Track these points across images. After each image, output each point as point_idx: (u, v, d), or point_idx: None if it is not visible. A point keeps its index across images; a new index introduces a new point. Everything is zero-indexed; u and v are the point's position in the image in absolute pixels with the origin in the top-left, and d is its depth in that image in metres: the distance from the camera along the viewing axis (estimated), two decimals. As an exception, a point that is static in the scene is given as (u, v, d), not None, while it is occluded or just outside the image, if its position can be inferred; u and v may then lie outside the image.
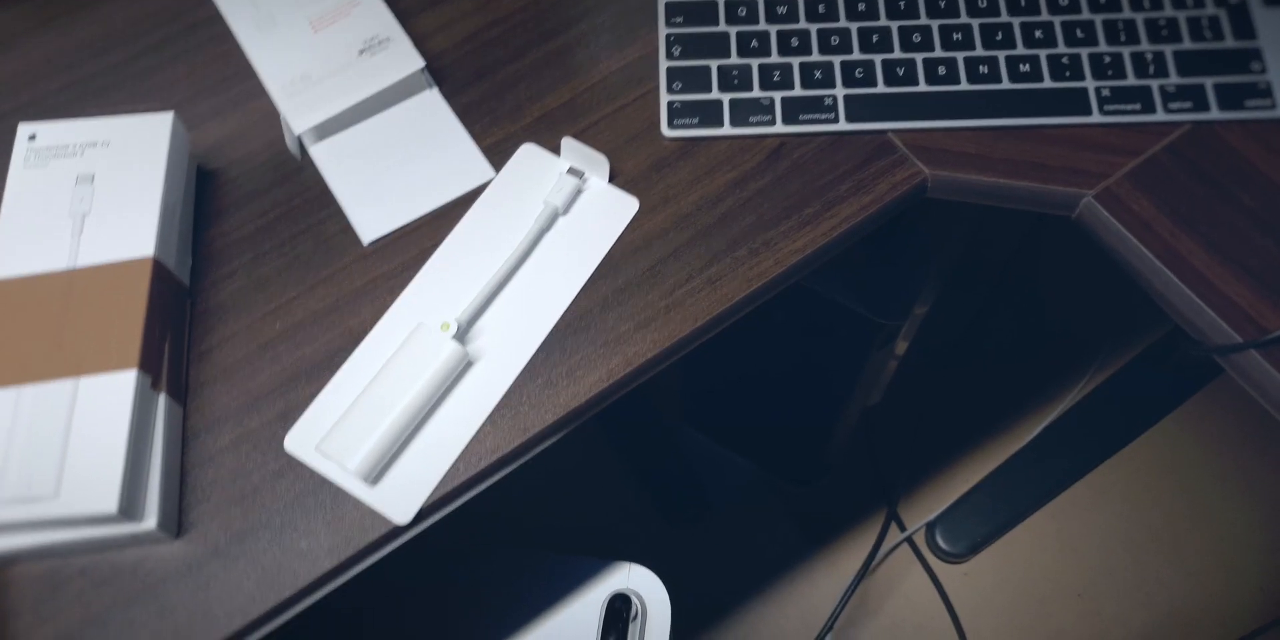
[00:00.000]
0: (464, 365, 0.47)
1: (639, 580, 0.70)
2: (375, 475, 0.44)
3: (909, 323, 0.91)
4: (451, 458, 0.45)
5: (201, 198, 0.52)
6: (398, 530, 0.44)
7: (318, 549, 0.44)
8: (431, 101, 0.54)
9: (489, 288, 0.49)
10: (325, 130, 0.52)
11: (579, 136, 0.53)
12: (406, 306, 0.49)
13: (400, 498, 0.44)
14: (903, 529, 1.25)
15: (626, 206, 0.51)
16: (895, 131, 0.53)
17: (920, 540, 1.26)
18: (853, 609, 1.21)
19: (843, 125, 0.53)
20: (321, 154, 0.52)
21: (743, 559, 1.25)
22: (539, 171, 0.52)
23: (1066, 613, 1.21)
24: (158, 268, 0.45)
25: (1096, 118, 0.52)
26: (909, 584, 1.23)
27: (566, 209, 0.51)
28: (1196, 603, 1.20)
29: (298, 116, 0.51)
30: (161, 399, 0.44)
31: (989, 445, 1.30)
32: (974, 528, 1.25)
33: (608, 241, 0.50)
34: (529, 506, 1.23)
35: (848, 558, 1.25)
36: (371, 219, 0.51)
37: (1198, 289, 0.48)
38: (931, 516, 1.25)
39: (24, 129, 0.48)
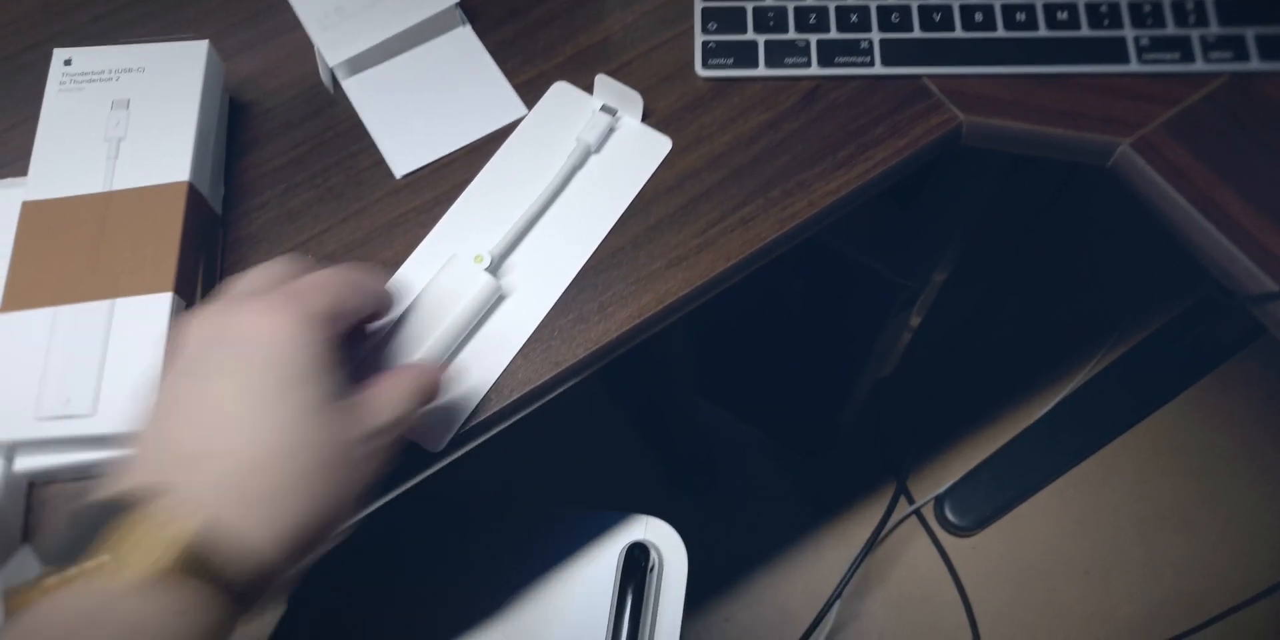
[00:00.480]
0: (496, 298, 0.47)
1: (656, 532, 0.70)
2: None
3: (927, 292, 0.91)
4: (483, 389, 0.45)
5: (234, 129, 0.52)
6: (430, 458, 0.44)
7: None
8: (464, 38, 0.53)
9: (521, 223, 0.48)
10: (359, 64, 0.52)
11: (612, 75, 0.52)
12: (439, 240, 0.49)
13: (433, 426, 0.44)
14: (911, 502, 1.25)
15: (659, 145, 0.51)
16: (931, 77, 0.53)
17: (929, 513, 1.26)
18: (860, 580, 1.22)
19: (878, 69, 0.52)
20: (354, 87, 0.52)
21: (752, 528, 1.25)
22: (572, 109, 0.52)
23: (1073, 588, 1.21)
24: (192, 192, 0.45)
25: (1134, 66, 0.52)
26: (917, 556, 1.24)
27: (599, 147, 0.51)
28: (1204, 580, 1.20)
29: (332, 49, 0.50)
30: (194, 324, 0.44)
31: (1000, 420, 1.30)
32: (983, 502, 1.25)
33: (640, 180, 0.50)
34: (543, 479, 1.23)
35: (856, 529, 1.25)
36: (404, 153, 0.51)
37: (1234, 238, 0.48)
38: (941, 490, 1.25)
39: (59, 54, 0.48)
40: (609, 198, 0.50)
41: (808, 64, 0.52)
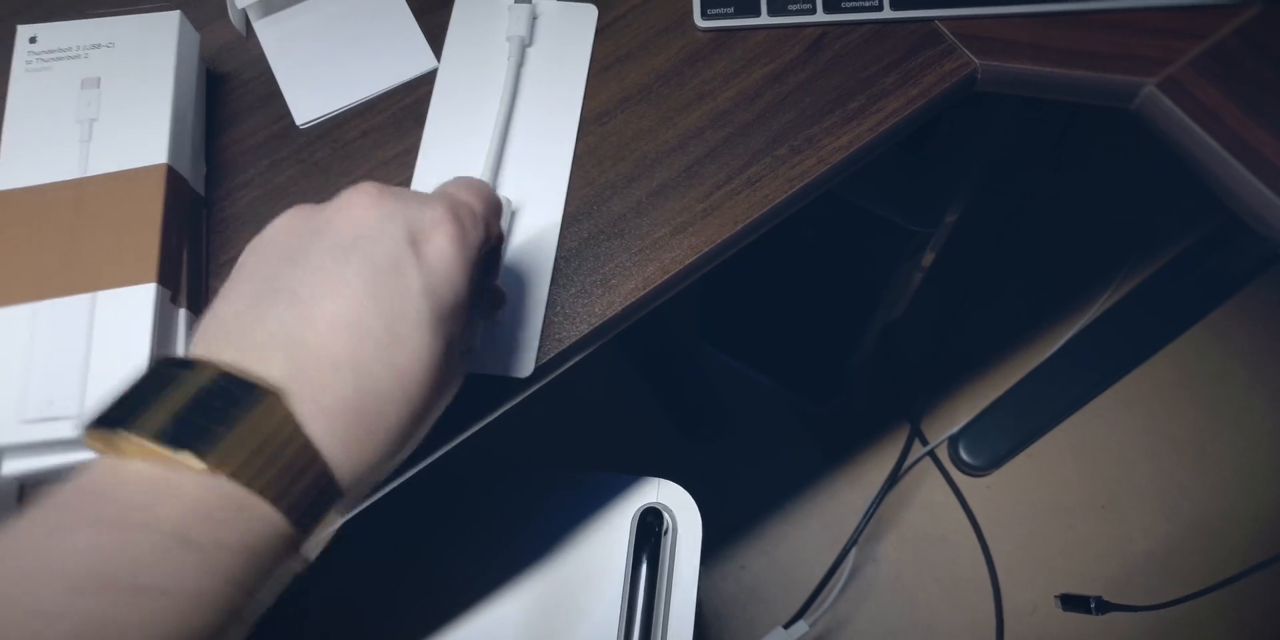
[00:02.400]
0: (511, 214, 0.46)
1: (668, 495, 0.69)
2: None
3: (939, 232, 0.88)
4: (542, 306, 0.45)
5: (213, 103, 0.49)
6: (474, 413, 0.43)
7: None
8: None
9: (496, 139, 0.48)
10: (271, 5, 0.50)
11: (606, 30, 0.50)
12: (422, 181, 0.48)
13: (513, 352, 0.44)
14: (925, 443, 1.24)
15: (586, 15, 0.50)
16: (943, 19, 0.50)
17: (943, 454, 1.25)
18: (875, 523, 1.22)
19: (887, 13, 0.49)
20: (265, 30, 0.50)
21: (764, 475, 1.25)
22: (488, 10, 0.51)
23: (1090, 524, 1.21)
24: (171, 174, 0.43)
25: None
26: (931, 497, 1.23)
27: (531, 38, 0.50)
28: (1221, 512, 1.20)
29: None
30: (181, 314, 0.42)
31: (1012, 358, 1.29)
32: (997, 441, 1.24)
33: (584, 55, 0.50)
34: (548, 431, 1.22)
35: (869, 472, 1.24)
36: (307, 101, 0.49)
37: (1268, 180, 0.46)
38: (954, 430, 1.24)
39: (23, 31, 0.45)
40: (564, 84, 0.49)
41: (813, 10, 0.49)
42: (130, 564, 0.25)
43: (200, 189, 0.46)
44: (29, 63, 0.44)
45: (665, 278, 0.45)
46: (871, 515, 1.11)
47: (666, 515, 0.67)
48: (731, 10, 0.49)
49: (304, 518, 0.28)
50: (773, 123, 0.48)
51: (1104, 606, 1.03)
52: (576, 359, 0.45)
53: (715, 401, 1.26)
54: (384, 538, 0.71)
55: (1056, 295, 1.31)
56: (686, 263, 0.45)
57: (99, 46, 0.45)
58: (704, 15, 0.50)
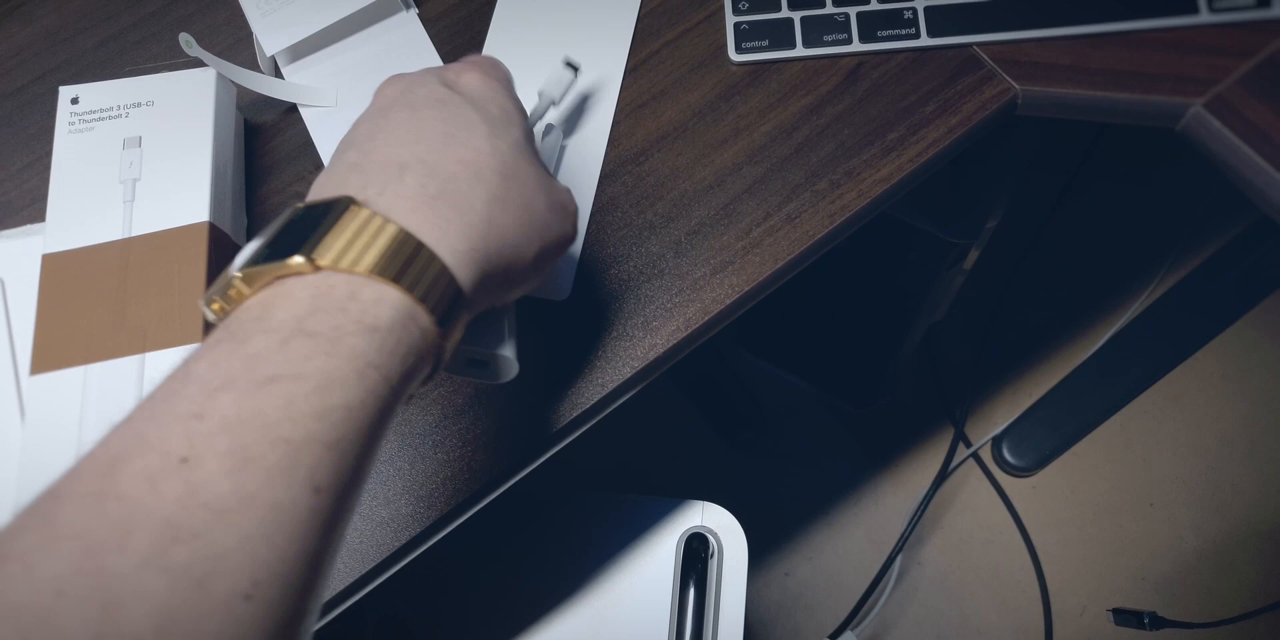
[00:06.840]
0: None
1: (713, 518, 0.69)
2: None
3: (979, 240, 0.87)
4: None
5: (251, 153, 0.49)
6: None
7: (400, 517, 0.43)
8: (408, 24, 0.51)
9: None
10: (299, 51, 0.50)
11: (640, 68, 0.49)
12: None
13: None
14: (968, 444, 1.23)
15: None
16: (981, 44, 0.49)
17: (986, 455, 1.24)
18: (919, 525, 1.21)
19: (924, 40, 0.49)
20: (295, 77, 0.50)
21: (807, 480, 1.24)
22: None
23: (1139, 523, 1.19)
24: (214, 232, 0.43)
25: (1205, 17, 0.48)
26: (976, 499, 1.22)
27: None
28: (1274, 507, 1.18)
29: (270, 37, 0.48)
30: (230, 369, 0.42)
31: (1055, 356, 1.27)
32: (1041, 440, 1.23)
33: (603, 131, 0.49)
34: (584, 445, 1.22)
35: (911, 475, 1.23)
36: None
37: (1323, 204, 0.45)
38: (998, 430, 1.23)
39: (65, 92, 0.45)
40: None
41: (848, 40, 0.49)
42: (254, 360, 0.27)
43: (242, 242, 0.47)
44: (71, 124, 0.45)
45: (707, 318, 0.45)
46: (918, 521, 1.10)
47: (712, 539, 0.66)
48: (766, 43, 0.49)
49: (417, 288, 0.29)
50: (811, 156, 0.47)
51: (1158, 622, 1.01)
52: (619, 402, 0.45)
53: (756, 408, 1.26)
54: (431, 559, 0.72)
55: (1098, 292, 1.29)
56: (728, 302, 0.45)
57: (139, 105, 0.45)
58: (739, 49, 0.49)
